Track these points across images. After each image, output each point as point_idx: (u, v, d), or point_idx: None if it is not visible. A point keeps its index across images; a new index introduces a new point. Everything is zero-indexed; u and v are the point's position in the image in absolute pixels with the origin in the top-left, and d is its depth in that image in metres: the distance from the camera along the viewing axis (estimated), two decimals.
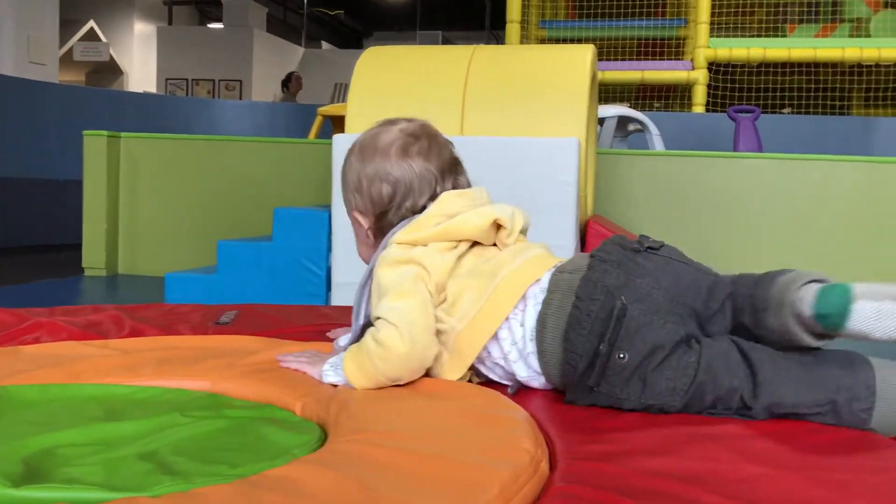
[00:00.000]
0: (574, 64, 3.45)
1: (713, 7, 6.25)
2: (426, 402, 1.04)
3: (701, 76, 6.17)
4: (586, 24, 7.14)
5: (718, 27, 6.60)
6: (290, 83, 8.56)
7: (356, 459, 0.81)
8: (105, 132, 4.37)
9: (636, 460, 0.86)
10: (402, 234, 1.20)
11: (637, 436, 0.96)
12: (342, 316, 1.63)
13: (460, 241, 1.20)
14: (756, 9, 7.08)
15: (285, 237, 3.53)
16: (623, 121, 4.89)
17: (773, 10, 7.44)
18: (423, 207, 1.24)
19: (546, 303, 1.13)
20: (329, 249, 3.47)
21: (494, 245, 1.24)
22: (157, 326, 1.43)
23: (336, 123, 5.17)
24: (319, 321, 1.57)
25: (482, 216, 1.21)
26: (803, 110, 6.54)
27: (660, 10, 7.43)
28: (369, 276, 1.22)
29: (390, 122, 1.37)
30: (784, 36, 6.53)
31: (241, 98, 13.48)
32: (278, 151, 4.48)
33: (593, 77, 3.65)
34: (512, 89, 3.41)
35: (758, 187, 4.03)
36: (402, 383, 1.10)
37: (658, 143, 4.82)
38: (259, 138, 4.81)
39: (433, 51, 3.69)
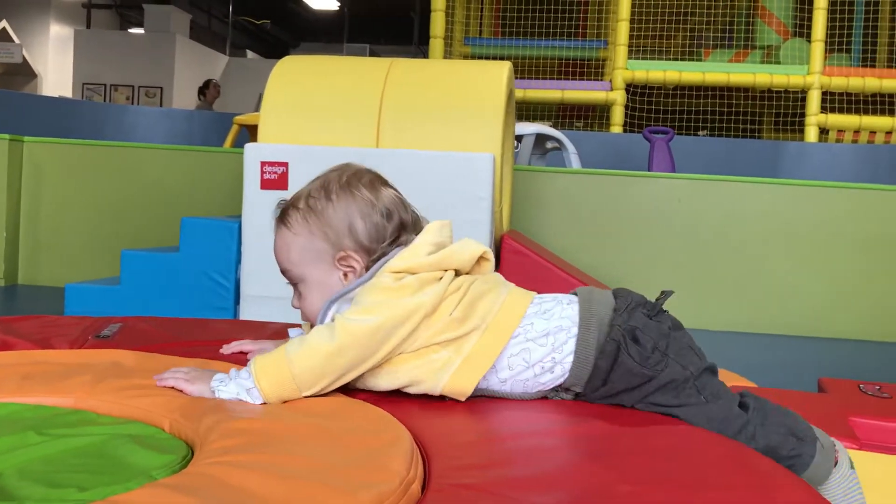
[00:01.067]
0: (490, 80, 3.46)
1: (632, 30, 6.39)
2: (304, 420, 0.99)
3: (619, 97, 6.30)
4: (510, 43, 7.21)
5: (637, 50, 6.75)
6: (207, 90, 8.40)
7: (214, 483, 0.76)
8: (7, 136, 4.18)
9: (512, 482, 0.84)
10: (396, 261, 1.17)
11: (522, 455, 0.94)
12: (236, 331, 1.57)
13: (447, 269, 1.19)
14: (674, 33, 7.28)
15: (192, 248, 3.42)
16: (541, 138, 4.94)
17: (690, 34, 7.67)
18: (401, 234, 1.24)
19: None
20: (238, 261, 3.38)
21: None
22: (31, 340, 1.34)
23: (252, 132, 5.08)
24: (209, 336, 1.50)
25: (474, 249, 1.22)
26: (717, 133, 6.73)
27: (581, 31, 7.57)
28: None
29: (325, 174, 1.34)
30: (700, 60, 6.72)
31: (161, 105, 13.16)
32: (189, 160, 4.36)
33: (510, 94, 3.67)
34: (428, 103, 3.39)
35: (671, 206, 4.12)
36: (313, 392, 1.07)
37: (575, 162, 4.88)
38: (170, 146, 4.68)
39: (350, 62, 3.65)
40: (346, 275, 1.22)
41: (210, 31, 16.66)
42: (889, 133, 5.82)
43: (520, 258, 3.38)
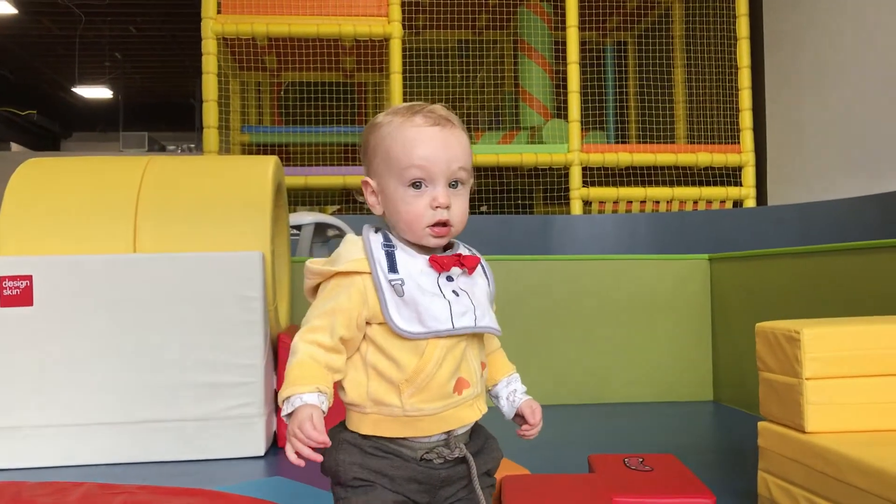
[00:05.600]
0: (256, 176, 3.39)
1: None
2: None
3: None
4: (291, 130, 7.19)
5: None
6: None
7: None
8: None
9: None
10: None
11: None
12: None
13: None
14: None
15: None
16: (321, 227, 4.90)
17: (464, 118, 8.04)
18: None
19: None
20: None
21: None
22: None
23: None
24: None
25: None
26: (495, 210, 7.03)
27: (360, 118, 7.71)
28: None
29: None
30: (473, 142, 7.04)
31: None
32: None
33: (278, 187, 3.61)
34: (190, 203, 3.26)
35: None
36: None
37: None
38: None
39: (102, 162, 3.44)
40: None
41: None
42: (644, 202, 6.35)
43: None
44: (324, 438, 1.12)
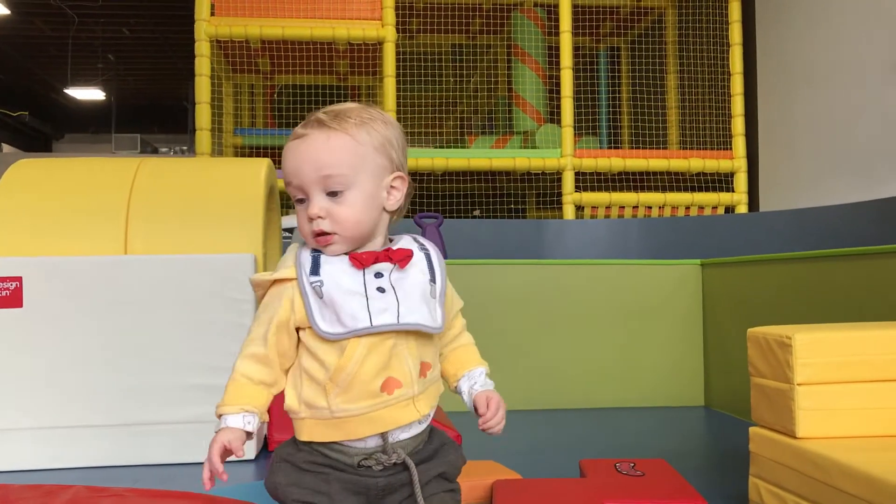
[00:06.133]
0: (248, 178, 3.38)
1: (402, 120, 6.58)
2: None
3: None
4: (284, 133, 7.18)
5: (410, 137, 6.96)
6: None
7: None
8: None
9: None
10: None
11: None
12: None
13: None
14: (444, 122, 7.61)
15: None
16: None
17: (458, 122, 8.05)
18: None
19: None
20: None
21: None
22: None
23: None
24: None
25: None
26: (487, 214, 7.04)
27: None
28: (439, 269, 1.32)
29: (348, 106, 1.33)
30: (465, 147, 7.04)
31: None
32: None
33: (271, 189, 3.60)
34: (181, 205, 3.24)
35: None
36: None
37: None
38: None
39: (93, 163, 3.43)
40: (388, 196, 1.28)
41: None
42: (636, 207, 6.36)
43: None
44: (217, 469, 1.18)
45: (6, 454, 2.88)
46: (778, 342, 2.05)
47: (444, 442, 1.32)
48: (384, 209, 1.28)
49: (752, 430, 2.18)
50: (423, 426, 1.28)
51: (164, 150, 17.13)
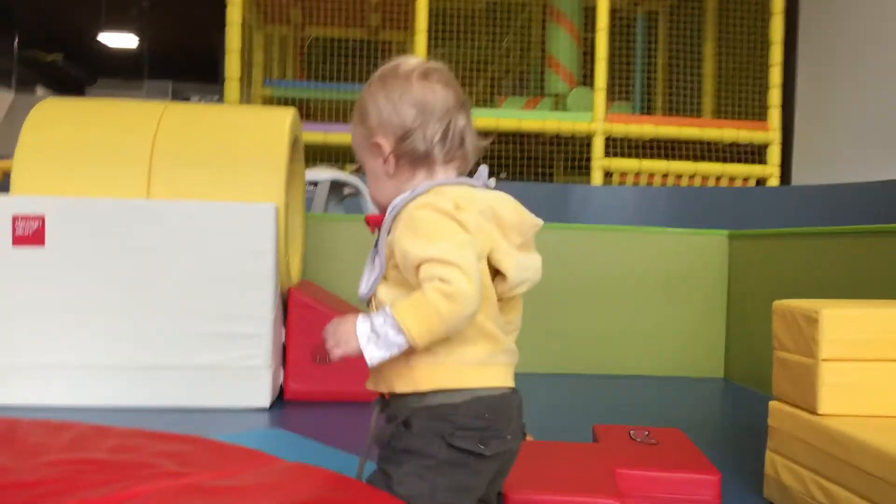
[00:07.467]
0: (273, 127, 3.35)
1: None
2: None
3: None
4: (313, 86, 7.12)
5: None
6: None
7: None
8: None
9: None
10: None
11: None
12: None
13: None
14: (476, 80, 7.50)
15: None
16: (337, 184, 4.86)
17: (489, 82, 7.93)
18: (444, 135, 1.23)
19: None
20: None
21: None
22: None
23: None
24: None
25: None
26: (514, 177, 6.96)
27: None
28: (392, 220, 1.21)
29: (407, 56, 1.33)
30: (495, 107, 6.94)
31: None
32: None
33: (295, 140, 3.57)
34: (205, 151, 3.22)
35: None
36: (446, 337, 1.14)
37: (373, 207, 4.83)
38: None
39: (119, 106, 3.41)
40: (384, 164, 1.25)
41: None
42: (665, 176, 6.25)
43: (307, 312, 3.25)
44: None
45: (21, 389, 2.91)
46: (804, 316, 2.00)
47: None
48: (387, 175, 1.26)
49: (771, 403, 2.14)
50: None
51: (195, 98, 17.13)
